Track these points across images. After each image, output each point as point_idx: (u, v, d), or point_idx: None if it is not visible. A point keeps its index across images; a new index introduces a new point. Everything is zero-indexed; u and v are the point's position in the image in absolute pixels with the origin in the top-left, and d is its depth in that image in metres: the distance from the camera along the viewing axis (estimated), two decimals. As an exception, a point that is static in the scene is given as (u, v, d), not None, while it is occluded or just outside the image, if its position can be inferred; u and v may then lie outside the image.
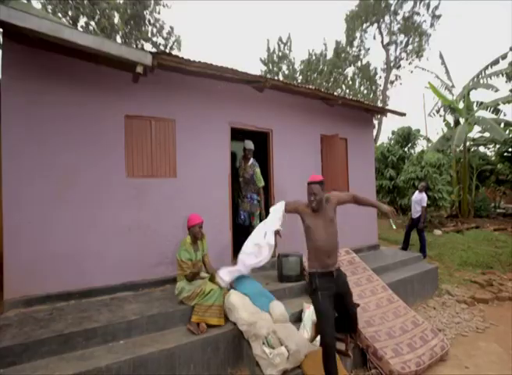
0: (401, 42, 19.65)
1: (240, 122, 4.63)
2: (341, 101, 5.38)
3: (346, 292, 2.71)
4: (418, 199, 6.70)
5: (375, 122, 18.55)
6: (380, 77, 20.72)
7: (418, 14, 18.83)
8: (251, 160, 4.74)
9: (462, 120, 11.32)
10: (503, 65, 11.34)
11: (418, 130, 13.24)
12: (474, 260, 6.58)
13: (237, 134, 5.26)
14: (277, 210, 3.02)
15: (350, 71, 21.06)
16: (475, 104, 11.47)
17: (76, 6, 13.81)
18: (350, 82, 20.81)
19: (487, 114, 11.31)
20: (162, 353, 2.67)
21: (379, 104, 19.39)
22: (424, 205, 6.72)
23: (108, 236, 3.61)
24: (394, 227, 3.49)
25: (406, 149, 13.25)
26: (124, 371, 2.49)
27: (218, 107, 4.43)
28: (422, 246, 6.67)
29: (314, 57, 20.47)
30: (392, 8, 18.90)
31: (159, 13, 16.54)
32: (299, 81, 20.32)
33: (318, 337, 3.04)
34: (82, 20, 14.30)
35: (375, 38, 20.26)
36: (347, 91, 20.76)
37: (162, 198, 3.94)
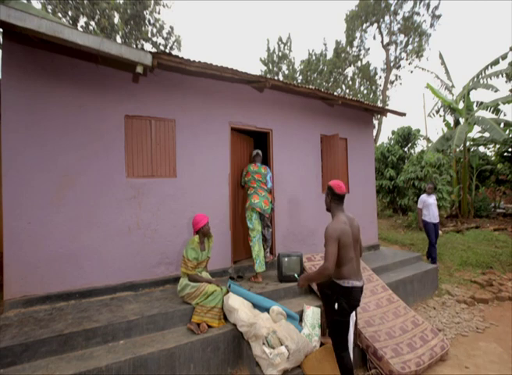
0: (401, 42, 19.68)
1: (239, 122, 4.63)
2: (341, 101, 5.38)
3: None
4: (436, 201, 6.32)
5: (375, 122, 18.59)
6: (380, 77, 20.77)
7: (418, 14, 18.86)
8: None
9: (462, 120, 11.32)
10: (503, 65, 11.36)
11: (418, 130, 13.22)
12: (474, 260, 6.58)
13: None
14: None
15: (350, 71, 21.13)
16: (475, 104, 11.48)
17: (76, 6, 13.82)
18: (350, 82, 20.85)
19: (487, 114, 11.33)
20: (162, 353, 2.68)
21: (379, 104, 19.41)
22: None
23: (108, 236, 3.61)
24: (295, 275, 3.72)
25: (406, 149, 13.25)
26: (124, 371, 2.49)
27: (218, 107, 4.43)
28: (435, 253, 6.20)
29: (314, 57, 20.51)
30: (392, 8, 18.91)
31: (159, 13, 16.59)
32: (299, 81, 20.35)
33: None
34: (82, 20, 14.32)
35: (374, 38, 20.31)
36: (347, 91, 20.81)
37: (162, 198, 3.94)
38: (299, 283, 2.66)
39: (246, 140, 5.14)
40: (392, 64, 20.05)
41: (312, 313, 3.35)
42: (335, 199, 2.56)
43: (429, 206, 6.23)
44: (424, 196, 6.39)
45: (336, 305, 2.43)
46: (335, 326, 2.53)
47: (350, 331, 2.67)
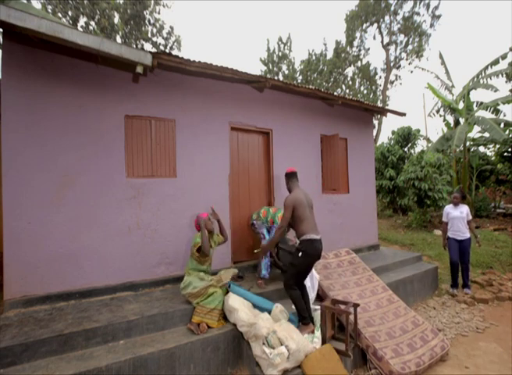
0: (401, 42, 19.69)
1: (239, 122, 4.63)
2: (341, 101, 5.38)
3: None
4: (466, 213, 5.13)
5: (375, 122, 18.58)
6: (380, 77, 20.77)
7: (418, 14, 18.86)
8: None
9: (462, 120, 11.32)
10: (503, 65, 11.38)
11: (418, 130, 13.22)
12: (474, 260, 6.57)
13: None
14: None
15: (350, 71, 21.13)
16: (475, 104, 11.47)
17: (76, 6, 13.82)
18: (350, 82, 20.85)
19: (487, 114, 11.32)
20: (162, 353, 2.68)
21: (379, 104, 19.41)
22: (471, 218, 5.20)
23: (108, 236, 3.61)
24: (255, 251, 3.84)
25: (406, 149, 13.25)
26: (124, 371, 2.49)
27: (218, 107, 4.43)
28: (467, 276, 5.19)
29: (314, 57, 20.51)
30: (392, 8, 18.92)
31: (159, 13, 16.58)
32: (299, 81, 20.35)
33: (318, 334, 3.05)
34: (82, 20, 14.32)
35: (374, 38, 20.31)
36: (347, 91, 20.81)
37: (162, 198, 3.94)
38: (262, 250, 3.49)
39: (255, 137, 5.05)
40: (392, 64, 20.05)
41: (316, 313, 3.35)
42: (291, 178, 3.41)
43: (453, 220, 5.20)
44: (448, 207, 5.38)
45: (300, 253, 3.09)
46: (293, 269, 3.15)
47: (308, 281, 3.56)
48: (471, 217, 5.17)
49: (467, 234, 5.09)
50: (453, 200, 5.29)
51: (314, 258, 3.14)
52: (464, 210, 5.16)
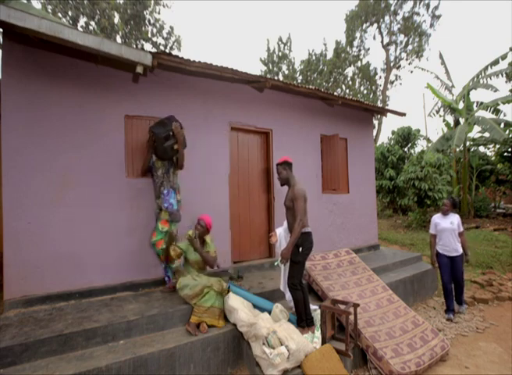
0: (401, 42, 19.71)
1: (239, 122, 4.63)
2: (341, 101, 5.38)
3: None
4: (457, 224, 4.38)
5: (375, 122, 18.58)
6: (380, 77, 20.77)
7: (418, 14, 18.87)
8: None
9: (462, 120, 11.32)
10: (503, 65, 11.36)
11: (418, 130, 13.25)
12: (474, 260, 6.58)
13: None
14: None
15: (350, 71, 21.13)
16: (475, 104, 11.47)
17: (76, 6, 13.82)
18: (350, 82, 20.84)
19: (487, 114, 11.33)
20: (162, 353, 2.67)
21: (379, 104, 19.41)
22: (462, 229, 4.44)
23: (108, 236, 3.61)
24: (276, 264, 3.59)
25: (406, 149, 13.27)
26: (124, 371, 2.49)
27: (218, 107, 4.43)
28: (461, 293, 4.48)
29: (314, 57, 20.50)
30: (392, 8, 18.93)
31: (159, 13, 16.58)
32: (299, 81, 20.34)
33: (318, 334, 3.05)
34: (82, 20, 14.32)
35: (374, 38, 20.33)
36: (347, 91, 20.81)
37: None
38: (282, 258, 3.09)
39: (255, 137, 5.04)
40: (392, 64, 20.06)
41: (317, 313, 3.35)
42: (290, 169, 3.28)
43: (442, 232, 4.43)
44: (436, 217, 4.59)
45: (301, 249, 3.11)
46: (297, 266, 3.12)
47: None
48: (462, 229, 4.42)
49: (459, 250, 4.34)
50: (442, 208, 4.53)
51: (310, 250, 3.21)
52: (454, 220, 4.39)
